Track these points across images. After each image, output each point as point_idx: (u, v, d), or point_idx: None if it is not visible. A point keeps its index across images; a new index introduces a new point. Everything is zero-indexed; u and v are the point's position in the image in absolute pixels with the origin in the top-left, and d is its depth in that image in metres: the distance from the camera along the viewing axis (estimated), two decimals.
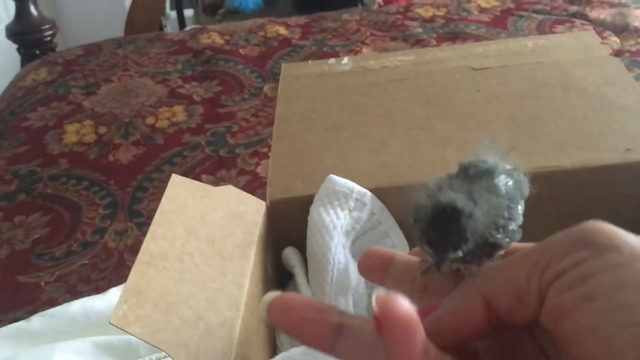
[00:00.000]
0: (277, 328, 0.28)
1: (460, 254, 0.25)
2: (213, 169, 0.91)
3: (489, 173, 0.27)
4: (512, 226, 0.26)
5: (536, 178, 0.43)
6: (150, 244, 0.36)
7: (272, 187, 0.45)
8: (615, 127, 0.45)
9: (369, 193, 0.43)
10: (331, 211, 0.41)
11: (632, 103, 0.47)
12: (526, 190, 0.28)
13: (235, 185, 0.88)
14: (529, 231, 0.27)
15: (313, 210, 0.42)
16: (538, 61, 0.52)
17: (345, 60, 0.56)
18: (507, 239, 0.26)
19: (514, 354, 0.25)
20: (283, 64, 0.57)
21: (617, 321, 0.20)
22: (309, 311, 0.24)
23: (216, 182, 0.88)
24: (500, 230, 0.25)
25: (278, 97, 0.53)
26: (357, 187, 0.43)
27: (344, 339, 0.23)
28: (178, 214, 0.39)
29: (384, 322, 0.20)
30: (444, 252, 0.25)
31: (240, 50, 1.28)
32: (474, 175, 0.26)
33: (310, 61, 0.57)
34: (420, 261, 0.29)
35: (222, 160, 0.93)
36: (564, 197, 0.43)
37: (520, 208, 0.27)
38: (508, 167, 0.28)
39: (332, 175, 0.42)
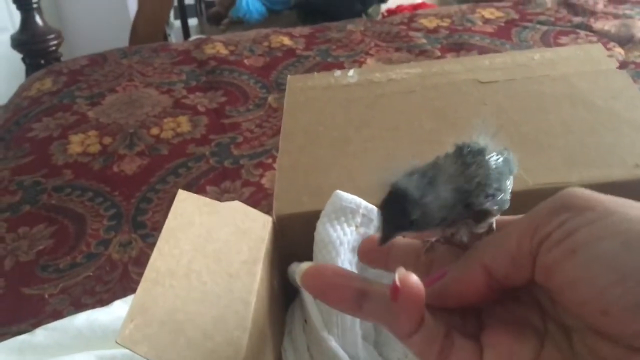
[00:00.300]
0: (310, 293, 0.31)
1: (403, 234, 0.29)
2: (217, 180, 0.91)
3: (480, 152, 0.30)
4: (502, 196, 0.29)
5: (544, 194, 0.43)
6: (157, 260, 0.36)
7: (278, 202, 0.45)
8: (624, 142, 0.45)
9: (375, 209, 0.42)
10: (338, 227, 0.41)
11: (639, 117, 0.47)
12: (514, 167, 0.31)
13: (240, 197, 0.88)
14: None
15: (319, 225, 0.42)
16: (545, 74, 0.52)
17: (351, 72, 0.56)
18: (496, 207, 0.29)
19: (512, 311, 0.28)
20: (289, 76, 0.57)
21: (598, 267, 0.23)
22: (336, 278, 0.29)
23: (220, 194, 0.88)
24: (490, 198, 0.29)
25: (284, 110, 0.53)
26: (363, 203, 0.42)
27: (368, 302, 0.28)
28: (185, 231, 0.39)
29: (401, 291, 0.25)
30: (388, 230, 0.28)
31: (245, 61, 1.28)
32: (467, 154, 0.30)
33: (315, 73, 0.57)
34: (424, 241, 0.32)
35: (227, 172, 0.93)
36: None
37: (508, 182, 0.31)
38: (498, 147, 0.31)
39: (338, 191, 0.42)
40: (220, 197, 0.87)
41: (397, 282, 0.25)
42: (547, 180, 0.43)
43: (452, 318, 0.28)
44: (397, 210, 0.28)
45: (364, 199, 0.43)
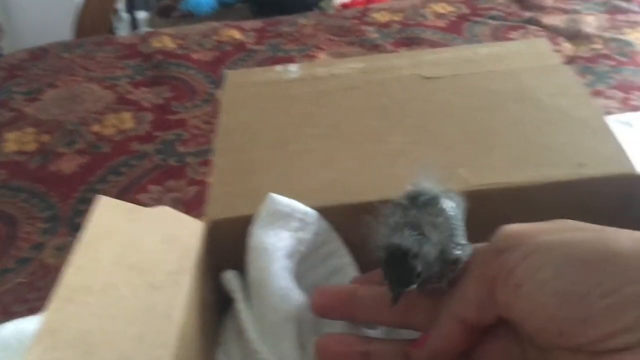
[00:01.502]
0: None
1: (414, 286, 0.30)
2: (161, 178, 0.87)
3: (435, 199, 0.31)
4: (464, 241, 0.31)
5: (487, 196, 0.41)
6: (71, 276, 0.33)
7: (212, 206, 0.42)
8: (569, 141, 0.44)
9: (313, 212, 0.40)
10: (272, 233, 0.39)
11: (586, 116, 0.46)
12: (463, 208, 0.33)
13: (185, 196, 0.85)
14: None
15: (253, 231, 0.39)
16: (491, 70, 0.51)
17: (294, 67, 0.53)
18: (464, 253, 0.31)
19: (494, 346, 0.31)
20: (228, 71, 0.54)
21: (541, 296, 0.26)
22: (339, 346, 0.34)
23: (164, 193, 0.84)
24: (459, 246, 0.31)
25: (222, 107, 0.50)
26: (300, 207, 0.40)
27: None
28: (104, 241, 0.36)
29: None
30: (397, 288, 0.30)
31: (193, 55, 1.24)
32: (423, 204, 0.31)
33: (256, 68, 0.54)
34: (389, 291, 0.32)
35: (172, 170, 0.89)
36: (516, 215, 0.41)
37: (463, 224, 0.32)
38: (445, 191, 0.32)
39: (272, 194, 0.40)
40: (163, 196, 0.84)
41: None
42: (491, 180, 0.41)
43: None
44: (401, 267, 0.29)
45: (303, 202, 0.41)
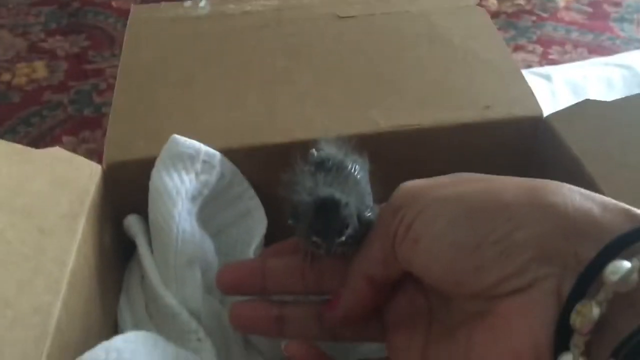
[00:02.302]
0: (241, 332, 0.37)
1: (343, 238, 0.30)
2: (75, 129, 0.83)
3: (341, 163, 0.31)
4: (371, 203, 0.31)
5: (396, 137, 0.41)
6: None
7: (110, 147, 0.40)
8: (477, 83, 0.44)
9: (218, 154, 0.39)
10: (175, 175, 0.37)
11: (495, 58, 0.46)
12: (367, 169, 0.33)
13: (100, 147, 0.81)
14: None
15: (154, 174, 0.37)
16: (405, 10, 0.50)
17: (203, 3, 0.51)
18: (374, 215, 0.31)
19: (402, 301, 0.32)
20: (132, 5, 0.51)
21: (437, 249, 0.26)
22: (254, 311, 0.34)
23: (78, 144, 0.80)
24: (368, 209, 0.31)
25: (124, 45, 0.47)
26: (204, 148, 0.38)
27: (287, 325, 0.34)
28: None
29: None
30: (331, 238, 0.29)
31: (112, 3, 1.18)
32: (331, 168, 0.31)
33: (163, 3, 0.51)
34: (304, 255, 0.33)
35: (86, 120, 0.85)
36: (425, 157, 0.42)
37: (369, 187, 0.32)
38: (349, 154, 0.32)
39: (175, 135, 0.38)
40: (78, 147, 0.80)
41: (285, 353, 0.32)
42: (399, 122, 0.41)
43: (357, 330, 0.33)
44: (333, 217, 0.29)
45: (207, 143, 0.39)
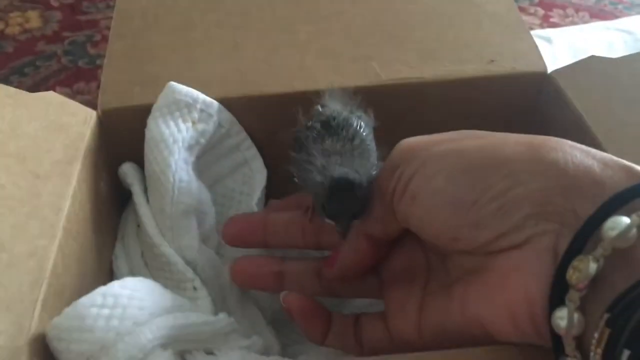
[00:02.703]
0: (241, 287, 0.36)
1: (358, 221, 0.30)
2: (70, 81, 0.82)
3: (347, 121, 0.31)
4: (376, 161, 0.31)
5: (396, 90, 0.40)
6: None
7: (105, 94, 0.39)
8: (482, 36, 0.43)
9: (215, 103, 0.38)
10: (171, 123, 0.36)
11: (501, 10, 0.45)
12: (372, 125, 0.32)
13: (94, 99, 0.80)
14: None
15: (150, 121, 0.37)
16: None
17: None
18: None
19: (400, 258, 0.32)
20: None
21: (435, 205, 0.26)
22: (254, 267, 0.35)
23: (72, 95, 0.79)
24: (374, 167, 0.30)
25: None
26: (202, 96, 0.38)
27: (287, 280, 0.34)
28: None
29: (293, 313, 0.33)
30: (346, 221, 0.29)
31: None
32: (337, 127, 0.30)
33: None
34: (304, 210, 0.33)
35: (81, 72, 0.83)
36: (426, 111, 0.41)
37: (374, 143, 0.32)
38: (353, 111, 0.32)
39: (172, 83, 0.37)
40: (72, 98, 0.78)
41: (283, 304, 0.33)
42: (400, 75, 0.40)
43: (355, 286, 0.34)
44: (348, 198, 0.28)
45: (205, 92, 0.38)
